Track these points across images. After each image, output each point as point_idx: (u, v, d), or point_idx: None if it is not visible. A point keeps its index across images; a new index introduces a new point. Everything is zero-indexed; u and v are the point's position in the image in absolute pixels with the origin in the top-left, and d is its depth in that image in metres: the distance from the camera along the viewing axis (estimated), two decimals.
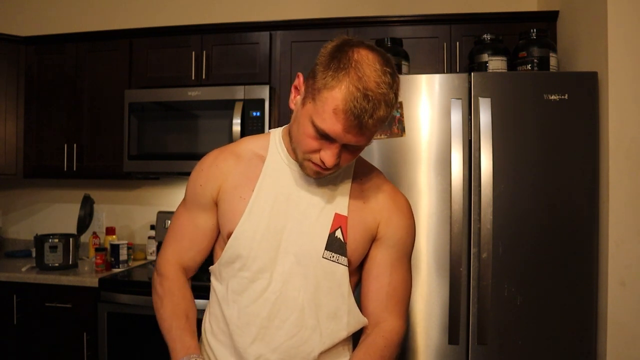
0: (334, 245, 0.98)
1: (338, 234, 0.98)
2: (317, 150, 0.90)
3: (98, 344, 2.33)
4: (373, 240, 1.03)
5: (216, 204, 1.04)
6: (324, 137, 0.87)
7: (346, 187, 1.03)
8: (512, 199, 1.83)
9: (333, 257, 0.98)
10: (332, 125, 0.84)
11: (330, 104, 0.83)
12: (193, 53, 2.58)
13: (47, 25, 3.10)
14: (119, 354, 2.31)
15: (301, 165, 0.95)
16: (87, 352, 2.34)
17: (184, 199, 1.09)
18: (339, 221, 0.99)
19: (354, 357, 0.98)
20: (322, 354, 0.99)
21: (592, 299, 1.80)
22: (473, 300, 1.83)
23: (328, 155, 0.88)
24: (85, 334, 2.34)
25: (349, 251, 0.99)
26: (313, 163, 0.92)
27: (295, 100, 0.95)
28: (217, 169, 1.04)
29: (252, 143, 1.07)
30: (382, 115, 0.85)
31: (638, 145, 1.77)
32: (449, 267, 1.83)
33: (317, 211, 0.99)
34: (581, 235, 1.81)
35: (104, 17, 3.08)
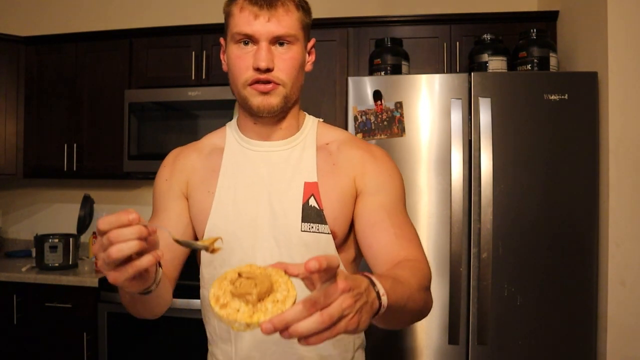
0: (311, 215, 0.93)
1: (312, 202, 0.94)
2: (251, 67, 0.91)
3: (98, 344, 2.33)
4: (355, 203, 0.97)
5: (187, 200, 1.01)
6: (247, 43, 0.91)
7: (311, 153, 0.99)
8: (512, 199, 1.83)
9: (312, 227, 0.93)
10: (245, 20, 0.90)
11: (235, 12, 0.91)
12: (193, 53, 2.58)
13: (47, 25, 3.10)
14: (119, 354, 2.31)
15: (246, 103, 0.94)
16: (87, 352, 2.34)
17: (152, 214, 1.04)
18: (310, 189, 0.95)
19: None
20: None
21: (592, 299, 1.80)
22: (473, 300, 1.83)
23: (259, 56, 0.89)
24: (85, 334, 2.34)
25: (328, 219, 0.93)
26: (253, 86, 0.92)
27: (224, 57, 0.98)
28: (181, 163, 1.04)
29: (210, 137, 1.07)
30: None
31: (638, 145, 1.77)
32: (449, 267, 1.83)
33: (285, 185, 0.95)
34: (581, 235, 1.81)
35: (104, 17, 3.08)
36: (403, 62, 2.19)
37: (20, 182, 3.14)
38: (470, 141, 1.86)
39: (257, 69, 0.90)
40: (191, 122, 2.49)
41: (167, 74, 2.62)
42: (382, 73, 2.16)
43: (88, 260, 2.84)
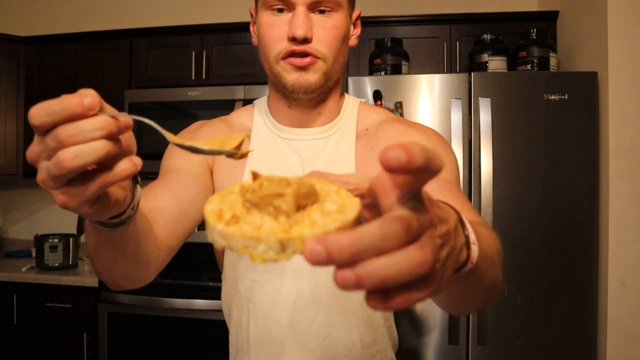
0: None
1: None
2: (285, 37, 0.77)
3: (98, 344, 2.33)
4: None
5: (211, 173, 0.86)
6: (282, 10, 0.78)
7: (349, 143, 0.85)
8: (512, 199, 1.83)
9: None
10: None
11: None
12: (193, 53, 2.58)
13: (47, 25, 3.10)
14: (119, 354, 2.31)
15: (279, 81, 0.80)
16: (87, 352, 2.34)
17: (156, 180, 0.82)
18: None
19: None
20: (363, 347, 0.84)
21: (592, 299, 1.80)
22: None
23: (295, 23, 0.75)
24: (85, 334, 2.34)
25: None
26: (287, 60, 0.78)
27: (254, 29, 0.85)
28: (205, 131, 0.89)
29: (238, 115, 0.94)
30: None
31: (638, 145, 1.77)
32: None
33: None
34: (581, 235, 1.81)
35: (104, 17, 3.08)
36: (403, 62, 2.19)
37: (20, 182, 3.14)
38: (470, 141, 1.86)
39: (293, 39, 0.76)
40: (191, 122, 2.48)
41: (167, 74, 2.63)
42: (382, 73, 2.16)
43: (88, 260, 2.84)
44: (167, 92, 2.54)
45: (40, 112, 0.37)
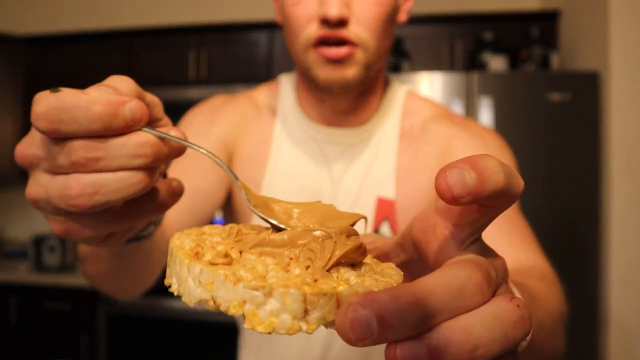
0: None
1: (385, 229, 0.66)
2: (316, 18, 0.60)
3: (97, 345, 2.32)
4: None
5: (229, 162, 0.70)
6: None
7: (390, 147, 0.68)
8: None
9: None
10: None
11: None
12: (193, 53, 2.57)
13: (47, 25, 3.10)
14: (118, 355, 2.30)
15: (309, 74, 0.63)
16: (86, 353, 2.33)
17: None
18: (385, 209, 0.66)
19: None
20: None
21: (594, 299, 1.79)
22: None
23: (329, 1, 0.58)
24: (84, 335, 2.33)
25: None
26: (318, 50, 0.61)
27: (278, 4, 0.68)
28: (230, 111, 0.72)
29: (266, 94, 0.76)
30: None
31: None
32: None
33: (351, 198, 0.67)
34: (583, 235, 1.80)
35: (104, 17, 3.07)
36: (404, 61, 2.18)
37: (18, 182, 3.13)
38: None
39: (325, 21, 0.59)
40: None
41: (167, 74, 2.62)
42: None
43: None
44: (167, 92, 2.53)
45: (51, 114, 0.25)
